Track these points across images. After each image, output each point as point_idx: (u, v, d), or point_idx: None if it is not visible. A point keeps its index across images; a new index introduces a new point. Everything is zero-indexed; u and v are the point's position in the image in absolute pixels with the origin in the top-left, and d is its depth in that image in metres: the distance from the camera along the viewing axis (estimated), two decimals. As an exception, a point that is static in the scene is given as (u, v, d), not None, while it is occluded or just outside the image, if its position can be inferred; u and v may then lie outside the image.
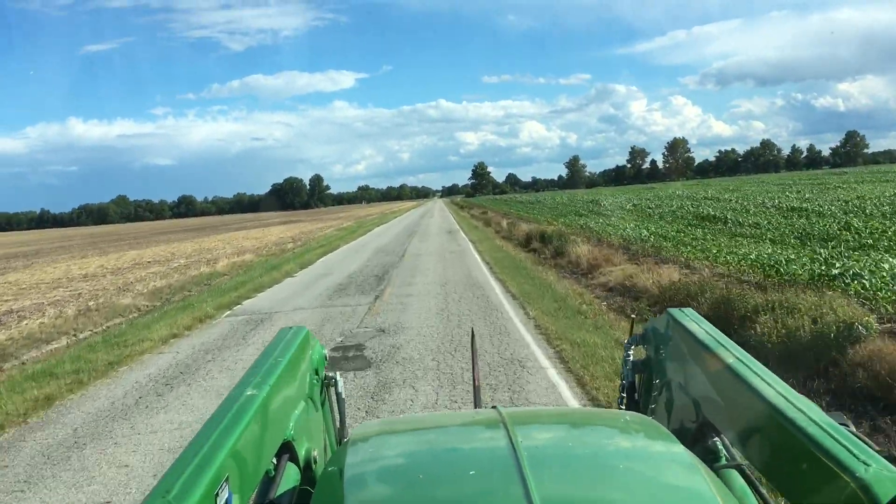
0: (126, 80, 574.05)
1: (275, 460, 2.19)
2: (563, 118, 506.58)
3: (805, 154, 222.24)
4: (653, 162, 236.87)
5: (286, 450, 2.30)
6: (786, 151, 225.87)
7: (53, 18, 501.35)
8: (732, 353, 2.22)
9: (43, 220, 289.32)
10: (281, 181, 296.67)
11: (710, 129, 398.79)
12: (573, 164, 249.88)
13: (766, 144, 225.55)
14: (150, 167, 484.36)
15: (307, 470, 2.44)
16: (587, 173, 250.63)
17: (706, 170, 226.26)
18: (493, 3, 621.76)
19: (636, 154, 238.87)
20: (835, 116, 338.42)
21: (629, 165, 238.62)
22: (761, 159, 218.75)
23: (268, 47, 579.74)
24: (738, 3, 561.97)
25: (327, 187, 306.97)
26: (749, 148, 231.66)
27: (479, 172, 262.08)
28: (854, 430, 1.75)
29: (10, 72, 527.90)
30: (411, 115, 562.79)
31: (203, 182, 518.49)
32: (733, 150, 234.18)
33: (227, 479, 1.69)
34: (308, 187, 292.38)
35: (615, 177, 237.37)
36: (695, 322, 2.59)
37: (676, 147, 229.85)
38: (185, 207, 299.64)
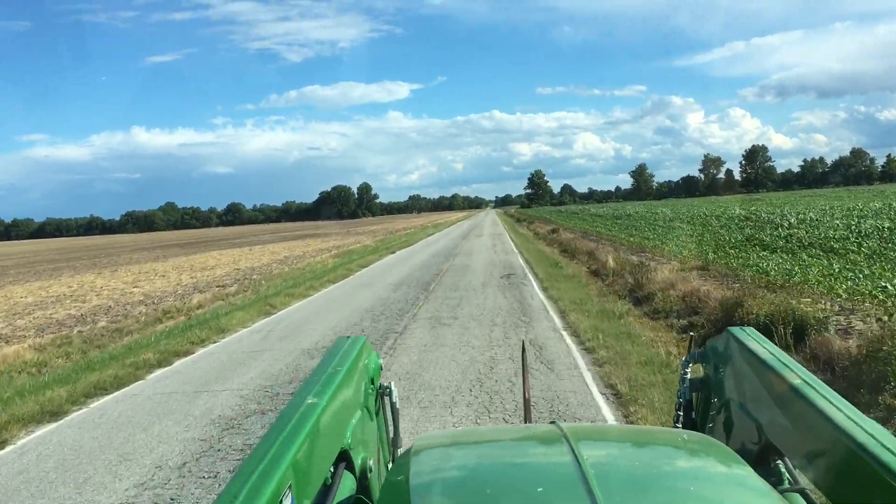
0: (188, 90, 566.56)
1: (332, 468, 2.11)
2: (618, 130, 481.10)
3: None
4: (728, 171, 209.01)
5: (343, 458, 2.22)
6: (880, 161, 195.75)
7: (119, 30, 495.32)
8: (799, 375, 2.10)
9: (91, 227, 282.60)
10: (329, 189, 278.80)
11: (770, 141, 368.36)
12: (640, 173, 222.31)
13: (857, 154, 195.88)
14: (209, 175, 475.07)
15: (362, 479, 2.35)
16: (654, 184, 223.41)
17: (789, 181, 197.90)
18: (549, 15, 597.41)
19: (710, 163, 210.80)
20: None
21: (702, 176, 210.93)
22: (852, 170, 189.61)
23: (325, 58, 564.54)
24: (799, 14, 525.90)
25: (376, 196, 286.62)
26: (837, 157, 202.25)
27: (536, 181, 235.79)
28: None
29: (77, 81, 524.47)
30: (465, 125, 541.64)
31: (262, 190, 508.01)
32: (821, 160, 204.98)
33: (290, 487, 1.65)
34: (356, 196, 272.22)
35: (686, 188, 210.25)
36: (757, 342, 2.47)
37: (756, 156, 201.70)
38: (232, 216, 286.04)
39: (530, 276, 23.21)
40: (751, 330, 2.61)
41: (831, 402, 1.88)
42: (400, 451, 2.38)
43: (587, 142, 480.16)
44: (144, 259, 53.14)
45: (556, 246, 39.12)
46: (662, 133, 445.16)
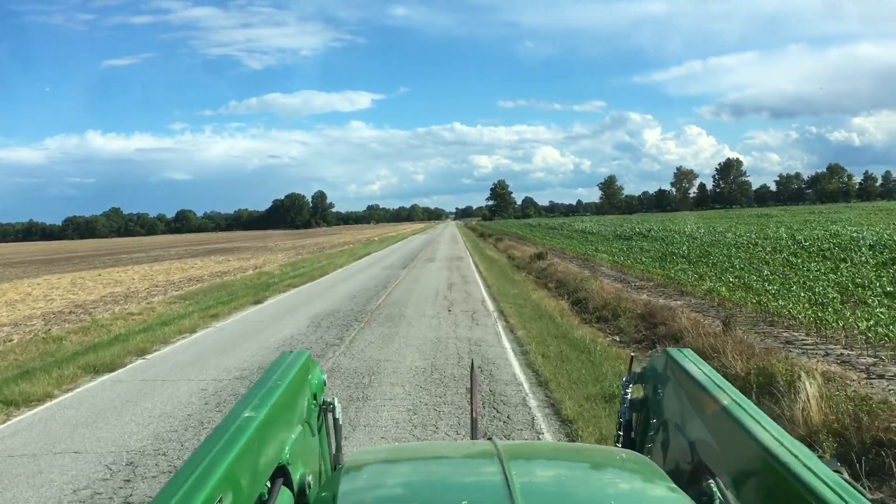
0: (145, 95, 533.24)
1: (269, 484, 2.04)
2: (578, 144, 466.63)
3: (880, 182, 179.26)
4: (701, 186, 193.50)
5: (280, 473, 2.13)
6: (857, 178, 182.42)
7: (76, 32, 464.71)
8: (729, 395, 2.11)
9: (31, 232, 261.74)
10: (282, 197, 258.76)
11: (724, 158, 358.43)
12: (608, 185, 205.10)
13: (834, 170, 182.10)
14: (166, 181, 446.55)
15: (301, 495, 2.26)
16: (624, 196, 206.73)
17: (764, 197, 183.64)
18: (511, 30, 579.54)
19: (682, 176, 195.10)
20: (850, 151, 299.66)
21: (675, 190, 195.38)
22: (829, 186, 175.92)
23: (286, 66, 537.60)
24: (754, 36, 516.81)
25: (331, 205, 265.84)
26: (814, 173, 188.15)
27: (500, 192, 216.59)
28: (848, 477, 1.67)
29: (31, 84, 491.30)
30: (426, 137, 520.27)
31: (219, 198, 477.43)
32: (797, 176, 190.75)
33: (220, 501, 1.59)
34: (310, 205, 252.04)
35: (657, 202, 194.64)
36: (693, 363, 2.44)
37: (730, 170, 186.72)
38: (180, 223, 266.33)
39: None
40: (688, 351, 2.57)
41: (759, 423, 1.87)
42: None
43: (547, 155, 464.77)
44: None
45: (560, 291, 21.21)
46: (621, 148, 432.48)
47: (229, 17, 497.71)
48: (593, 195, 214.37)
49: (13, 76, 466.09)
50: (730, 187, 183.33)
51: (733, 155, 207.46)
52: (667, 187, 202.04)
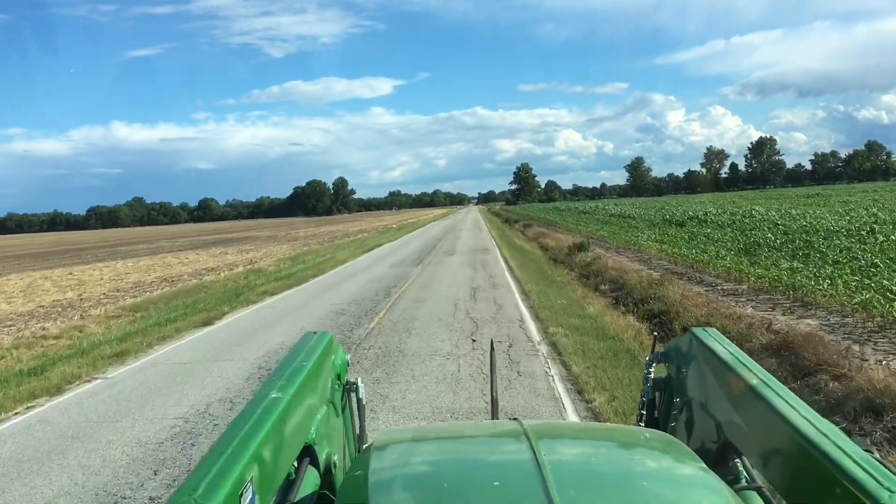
0: (169, 85, 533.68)
1: (295, 463, 2.03)
2: (600, 127, 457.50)
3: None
4: (733, 166, 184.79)
5: (307, 454, 2.13)
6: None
7: (99, 23, 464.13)
8: (757, 375, 2.05)
9: (55, 222, 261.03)
10: (303, 184, 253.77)
11: (750, 139, 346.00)
12: (636, 167, 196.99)
13: (872, 147, 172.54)
14: (190, 171, 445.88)
15: (327, 475, 2.26)
16: (651, 178, 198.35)
17: (799, 176, 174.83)
18: (531, 13, 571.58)
19: (713, 156, 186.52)
20: (879, 129, 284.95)
21: (705, 170, 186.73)
22: (866, 165, 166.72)
23: (307, 54, 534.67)
24: (779, 13, 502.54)
25: (352, 192, 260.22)
26: (851, 151, 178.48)
27: (523, 176, 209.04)
28: (878, 456, 1.60)
29: (55, 75, 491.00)
30: (447, 122, 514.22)
31: (243, 186, 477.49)
32: (833, 154, 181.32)
33: (251, 480, 1.58)
34: (331, 191, 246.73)
35: (686, 183, 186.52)
36: (718, 342, 2.39)
37: (763, 148, 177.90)
38: (202, 212, 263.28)
39: None
40: (712, 330, 2.51)
41: (787, 402, 1.83)
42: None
43: (569, 139, 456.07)
44: None
45: (621, 299, 15.42)
46: (644, 130, 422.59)
47: (249, 5, 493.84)
48: (616, 178, 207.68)
49: (37, 69, 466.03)
50: (763, 167, 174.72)
51: (759, 135, 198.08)
52: (695, 168, 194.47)
